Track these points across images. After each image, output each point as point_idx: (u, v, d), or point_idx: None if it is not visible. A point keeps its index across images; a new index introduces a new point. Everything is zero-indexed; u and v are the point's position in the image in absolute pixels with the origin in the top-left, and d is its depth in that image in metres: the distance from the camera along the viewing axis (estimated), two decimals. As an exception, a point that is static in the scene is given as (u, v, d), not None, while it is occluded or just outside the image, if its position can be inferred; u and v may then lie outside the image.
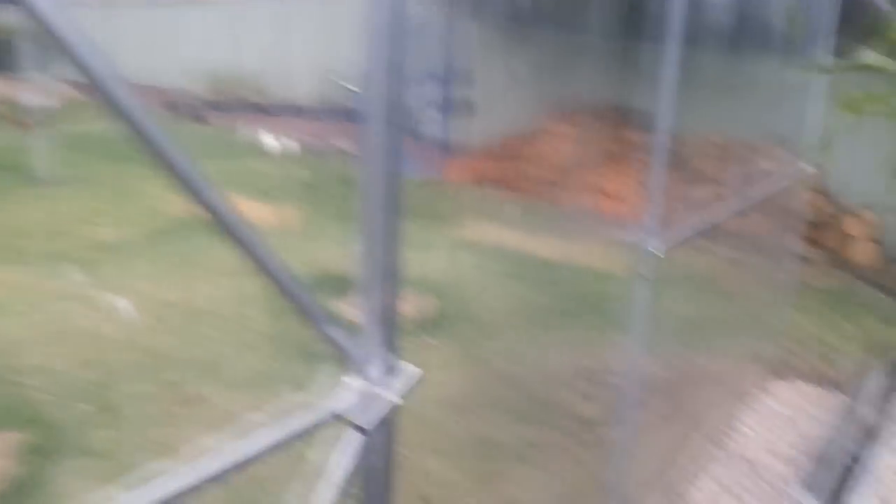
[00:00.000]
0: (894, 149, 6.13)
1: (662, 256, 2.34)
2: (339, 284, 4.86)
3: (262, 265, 0.97)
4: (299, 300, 1.04)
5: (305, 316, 1.06)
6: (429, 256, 5.99)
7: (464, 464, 3.30)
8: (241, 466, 0.96)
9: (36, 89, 8.54)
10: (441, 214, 7.38)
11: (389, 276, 1.18)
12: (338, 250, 5.88)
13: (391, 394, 1.17)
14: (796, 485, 2.17)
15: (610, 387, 2.99)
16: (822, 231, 7.09)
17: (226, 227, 0.90)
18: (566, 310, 4.90)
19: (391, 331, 1.20)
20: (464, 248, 6.49)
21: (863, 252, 7.06)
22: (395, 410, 1.19)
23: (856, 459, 1.29)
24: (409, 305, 4.93)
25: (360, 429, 1.13)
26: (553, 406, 3.35)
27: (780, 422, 4.14)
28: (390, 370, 1.19)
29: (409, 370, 1.21)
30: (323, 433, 1.11)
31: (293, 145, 10.23)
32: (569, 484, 2.84)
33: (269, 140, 10.42)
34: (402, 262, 1.19)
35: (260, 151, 10.47)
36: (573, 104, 9.02)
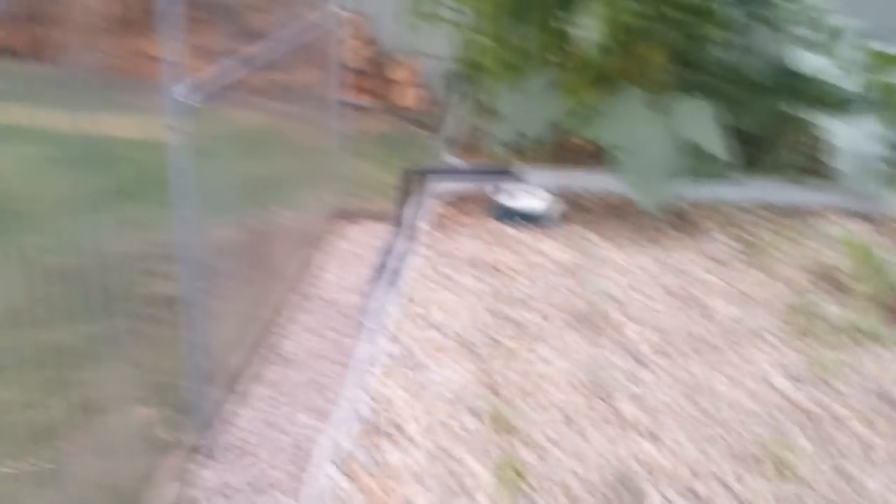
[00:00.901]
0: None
1: (199, 108, 2.17)
2: None
3: None
4: None
5: None
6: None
7: (22, 379, 2.86)
8: None
9: None
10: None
11: None
12: None
13: None
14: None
15: (173, 261, 2.79)
16: (371, 79, 7.53)
17: None
18: (123, 188, 4.44)
19: None
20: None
21: (409, 97, 7.74)
22: None
23: (397, 272, 1.37)
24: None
25: None
26: (121, 293, 3.04)
27: (352, 260, 4.46)
28: None
29: None
30: None
31: None
32: (151, 369, 2.64)
33: None
34: None
35: None
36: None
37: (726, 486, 0.87)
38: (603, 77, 1.85)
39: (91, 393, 2.76)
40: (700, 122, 1.51)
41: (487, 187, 1.70)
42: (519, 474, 0.88)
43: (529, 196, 1.65)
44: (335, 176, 5.04)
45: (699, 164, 1.52)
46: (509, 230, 1.57)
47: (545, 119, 1.62)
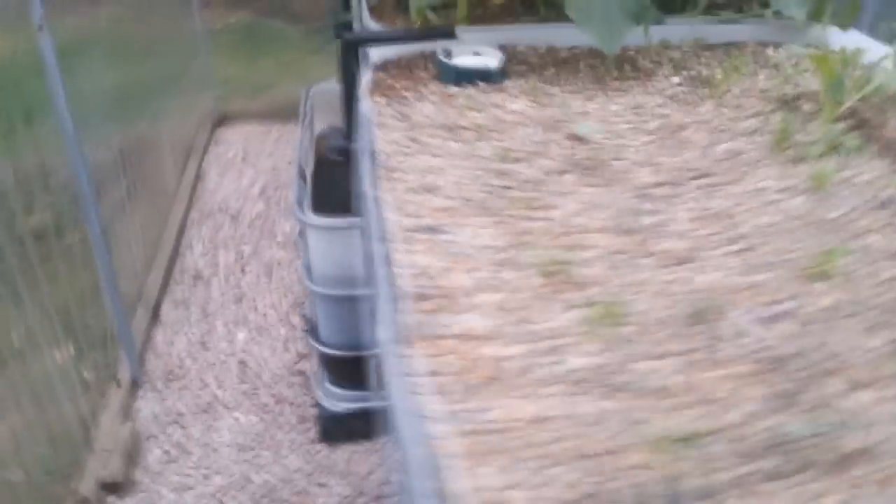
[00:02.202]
0: None
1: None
2: None
3: None
4: None
5: None
6: None
7: None
8: None
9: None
10: None
11: None
12: None
13: None
14: (297, 207, 2.19)
15: (57, 188, 2.51)
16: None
17: None
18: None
19: None
20: None
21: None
22: None
23: (371, 146, 1.27)
24: None
25: None
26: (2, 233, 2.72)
27: (239, 166, 4.20)
28: None
29: None
30: None
31: None
32: (59, 308, 2.40)
33: None
34: None
35: None
36: None
37: (795, 299, 0.88)
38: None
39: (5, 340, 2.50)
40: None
41: (436, 50, 1.59)
42: (596, 320, 0.85)
43: (478, 55, 1.56)
44: (203, 78, 4.66)
45: (640, 8, 1.49)
46: (467, 91, 1.48)
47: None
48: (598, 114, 1.38)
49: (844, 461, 0.69)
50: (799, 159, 1.21)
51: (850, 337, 0.84)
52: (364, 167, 1.38)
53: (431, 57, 1.65)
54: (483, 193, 1.11)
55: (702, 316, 0.87)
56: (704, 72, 1.59)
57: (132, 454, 2.33)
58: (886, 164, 1.20)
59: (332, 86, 3.04)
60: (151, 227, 3.18)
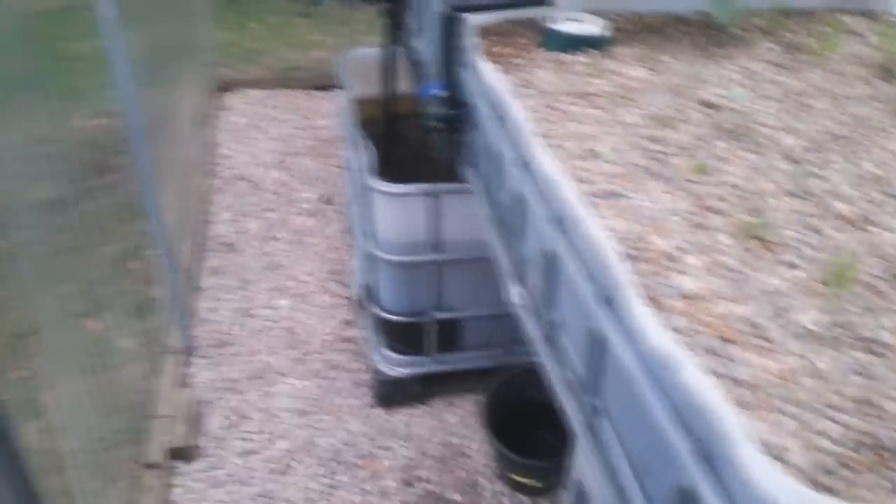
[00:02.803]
0: None
1: None
2: None
3: None
4: None
5: None
6: None
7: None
8: None
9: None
10: None
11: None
12: None
13: None
14: (366, 174, 2.20)
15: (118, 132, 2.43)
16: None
17: None
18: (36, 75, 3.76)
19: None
20: None
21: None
22: None
23: (503, 115, 1.30)
24: None
25: None
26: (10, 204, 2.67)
27: (249, 132, 4.14)
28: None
29: None
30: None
31: None
32: (90, 281, 2.36)
33: None
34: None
35: None
36: None
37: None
38: None
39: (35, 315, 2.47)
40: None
41: (535, 17, 1.61)
42: (832, 281, 0.90)
43: (583, 22, 1.59)
44: (203, 44, 4.56)
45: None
46: (580, 58, 1.51)
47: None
48: (717, 80, 1.42)
49: None
50: (925, 123, 1.28)
51: None
52: (496, 135, 1.40)
53: (527, 24, 1.67)
54: (647, 160, 1.15)
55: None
56: (795, 39, 1.64)
57: (195, 420, 2.34)
58: None
59: (363, 53, 3.02)
60: (180, 195, 3.13)
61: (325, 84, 4.70)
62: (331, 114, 4.34)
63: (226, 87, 4.69)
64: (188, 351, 2.60)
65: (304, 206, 3.49)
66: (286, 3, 6.66)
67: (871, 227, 1.01)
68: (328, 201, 3.53)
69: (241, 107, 4.43)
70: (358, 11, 6.25)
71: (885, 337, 0.83)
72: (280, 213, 3.43)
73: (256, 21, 6.11)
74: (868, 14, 1.80)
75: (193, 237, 3.11)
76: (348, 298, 2.91)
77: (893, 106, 1.34)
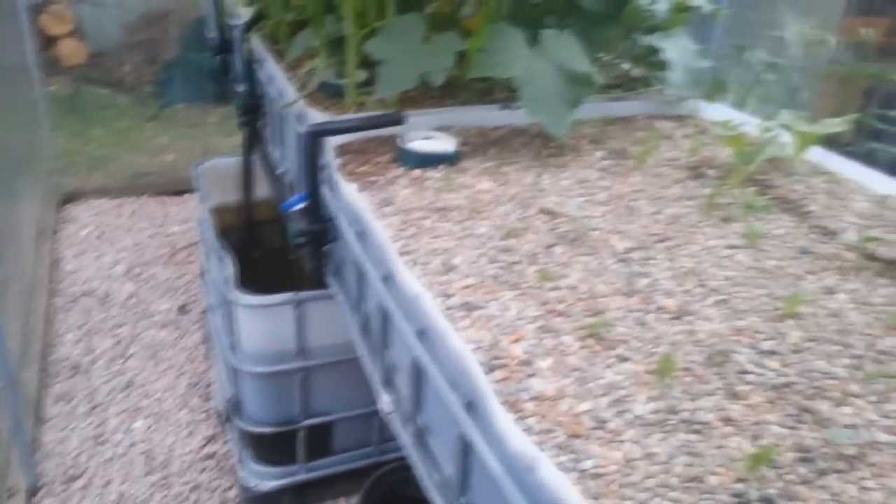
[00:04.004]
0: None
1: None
2: None
3: None
4: None
5: None
6: None
7: None
8: None
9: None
10: None
11: None
12: None
13: None
14: (226, 286, 2.18)
15: None
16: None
17: None
18: None
19: None
20: None
21: (71, 50, 6.81)
22: None
23: (362, 231, 1.37)
24: None
25: None
26: None
27: (95, 244, 3.96)
28: None
29: None
30: None
31: None
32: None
33: None
34: None
35: None
36: None
37: (779, 338, 1.10)
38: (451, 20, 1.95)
39: None
40: (573, 53, 1.71)
41: (398, 136, 1.72)
42: (658, 370, 1.01)
43: (435, 139, 1.71)
44: (45, 152, 4.39)
45: (576, 97, 1.72)
46: (433, 174, 1.62)
47: (441, 63, 1.67)
48: (554, 189, 1.57)
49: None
50: (728, 219, 1.48)
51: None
52: (356, 250, 1.47)
53: (383, 140, 1.78)
54: (498, 269, 1.25)
55: (714, 359, 1.06)
56: (618, 145, 1.85)
57: (42, 569, 2.13)
58: (791, 219, 1.49)
59: (219, 162, 3.03)
60: (20, 316, 2.93)
61: (177, 189, 4.62)
62: (184, 219, 4.25)
63: (69, 197, 4.49)
64: (33, 491, 2.38)
65: (157, 318, 3.36)
66: (131, 107, 6.54)
67: (688, 318, 1.15)
68: (184, 310, 3.42)
69: (87, 217, 4.25)
70: (208, 113, 6.25)
71: (704, 416, 0.95)
72: (131, 327, 3.28)
73: (101, 126, 5.96)
74: (678, 119, 2.06)
75: (35, 363, 2.90)
76: (209, 412, 2.80)
77: (702, 203, 1.54)
